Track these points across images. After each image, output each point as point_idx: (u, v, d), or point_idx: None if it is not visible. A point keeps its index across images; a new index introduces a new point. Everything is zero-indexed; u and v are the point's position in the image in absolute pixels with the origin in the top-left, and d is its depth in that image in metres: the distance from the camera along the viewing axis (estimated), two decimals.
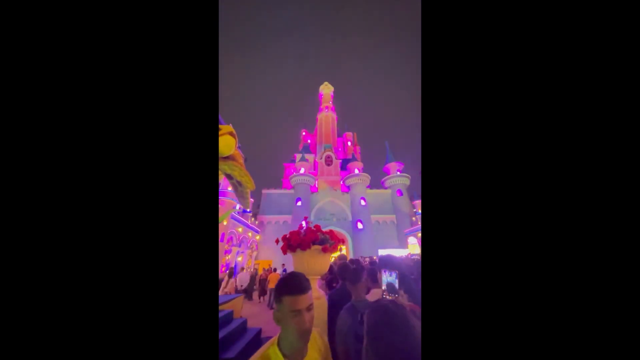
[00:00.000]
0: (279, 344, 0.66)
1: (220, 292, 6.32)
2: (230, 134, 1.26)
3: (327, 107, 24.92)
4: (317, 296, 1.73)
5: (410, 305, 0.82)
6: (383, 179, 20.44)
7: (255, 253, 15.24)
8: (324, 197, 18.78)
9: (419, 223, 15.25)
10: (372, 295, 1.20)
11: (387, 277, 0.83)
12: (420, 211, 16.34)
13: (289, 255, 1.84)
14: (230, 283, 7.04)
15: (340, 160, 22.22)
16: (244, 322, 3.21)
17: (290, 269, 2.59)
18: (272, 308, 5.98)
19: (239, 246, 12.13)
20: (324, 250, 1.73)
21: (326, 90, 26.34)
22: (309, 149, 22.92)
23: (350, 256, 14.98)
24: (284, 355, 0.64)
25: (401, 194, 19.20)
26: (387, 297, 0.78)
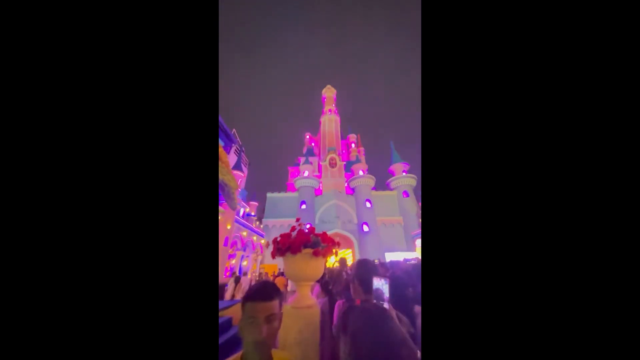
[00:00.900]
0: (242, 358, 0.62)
1: (226, 297, 6.27)
2: None
3: (330, 110, 25.00)
4: (310, 304, 1.59)
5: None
6: (388, 180, 20.11)
7: (260, 257, 15.17)
8: (328, 200, 18.62)
9: None
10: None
11: (378, 284, 0.81)
12: None
13: None
14: (238, 287, 6.98)
15: (345, 163, 22.10)
16: None
17: None
18: None
19: (244, 250, 12.10)
20: (316, 254, 1.59)
21: (329, 93, 26.47)
22: (312, 152, 22.95)
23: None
24: None
25: (407, 195, 18.79)
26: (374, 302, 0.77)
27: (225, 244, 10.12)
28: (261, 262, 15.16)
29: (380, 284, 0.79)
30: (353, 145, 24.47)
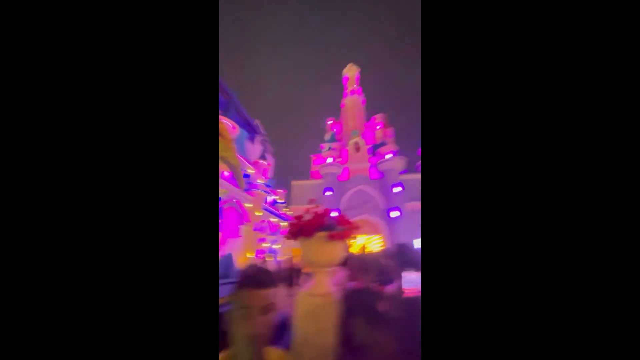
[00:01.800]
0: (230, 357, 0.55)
1: None
2: None
3: (352, 91, 23.56)
4: (326, 292, 1.43)
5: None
6: (418, 163, 18.53)
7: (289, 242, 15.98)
8: (354, 186, 18.19)
9: None
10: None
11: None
12: None
13: None
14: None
15: (370, 146, 20.97)
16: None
17: None
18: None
19: (274, 235, 12.84)
20: (331, 238, 1.40)
21: (351, 72, 24.73)
22: (335, 138, 22.31)
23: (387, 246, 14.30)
24: None
25: None
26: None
27: (256, 229, 10.93)
28: (290, 247, 16.03)
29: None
30: (379, 127, 22.93)
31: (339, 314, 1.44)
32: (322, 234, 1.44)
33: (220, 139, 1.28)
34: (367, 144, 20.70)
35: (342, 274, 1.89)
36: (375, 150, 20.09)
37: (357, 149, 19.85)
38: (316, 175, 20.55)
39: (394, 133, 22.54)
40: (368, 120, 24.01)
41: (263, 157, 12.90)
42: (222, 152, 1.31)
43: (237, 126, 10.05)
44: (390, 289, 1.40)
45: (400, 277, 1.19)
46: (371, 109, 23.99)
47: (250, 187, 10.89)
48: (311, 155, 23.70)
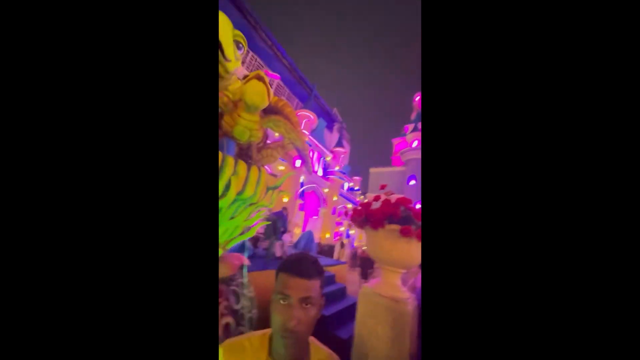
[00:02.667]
0: (270, 339, 0.53)
1: (334, 258, 7.34)
2: (258, 77, 1.03)
3: None
4: (400, 298, 1.20)
5: None
6: None
7: None
8: None
9: None
10: None
11: None
12: None
13: None
14: (342, 251, 7.89)
15: None
16: (343, 288, 3.37)
17: None
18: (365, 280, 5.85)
19: (350, 220, 13.17)
20: (404, 233, 1.12)
21: None
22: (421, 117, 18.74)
23: None
24: (269, 353, 0.51)
25: None
26: None
27: (333, 213, 11.61)
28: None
29: None
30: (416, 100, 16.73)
31: (406, 327, 1.18)
32: (394, 227, 1.19)
33: (281, 119, 1.30)
34: None
35: (418, 279, 1.54)
36: None
37: None
38: (397, 162, 18.50)
39: None
40: None
41: (340, 144, 13.11)
42: (286, 134, 1.35)
43: (315, 116, 10.69)
44: None
45: None
46: None
47: (327, 173, 11.52)
48: (392, 140, 21.42)
